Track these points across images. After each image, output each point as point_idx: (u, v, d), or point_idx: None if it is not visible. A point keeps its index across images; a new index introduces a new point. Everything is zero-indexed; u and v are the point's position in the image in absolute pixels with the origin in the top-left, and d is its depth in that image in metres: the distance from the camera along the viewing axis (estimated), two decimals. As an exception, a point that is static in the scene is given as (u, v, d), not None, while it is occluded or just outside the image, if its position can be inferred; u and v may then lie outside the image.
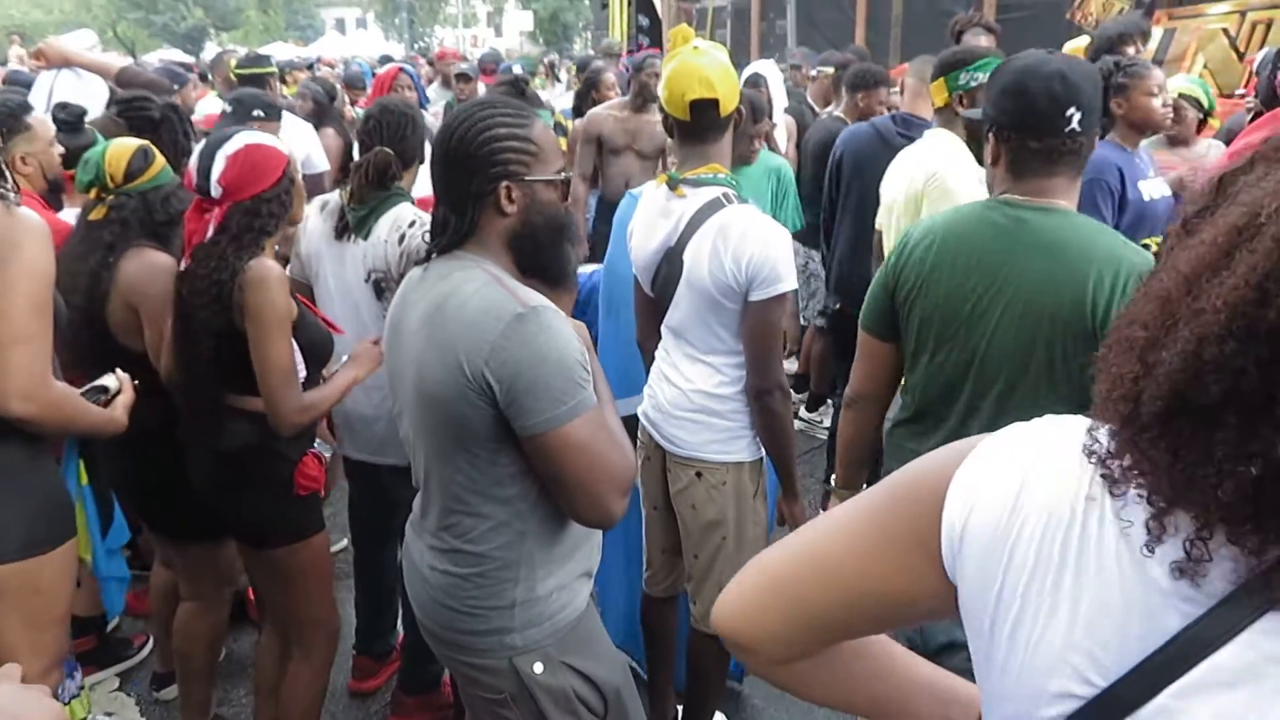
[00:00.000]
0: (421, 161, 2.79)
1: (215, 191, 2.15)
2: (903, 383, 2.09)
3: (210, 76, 5.32)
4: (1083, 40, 6.12)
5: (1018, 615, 0.78)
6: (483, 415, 1.57)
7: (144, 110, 3.25)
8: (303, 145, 4.51)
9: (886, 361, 2.13)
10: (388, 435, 2.60)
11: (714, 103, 2.23)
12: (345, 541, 3.56)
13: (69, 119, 3.23)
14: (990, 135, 1.90)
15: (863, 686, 1.04)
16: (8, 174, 1.91)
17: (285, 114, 4.54)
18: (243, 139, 2.18)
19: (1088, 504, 0.75)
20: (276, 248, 2.30)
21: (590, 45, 13.47)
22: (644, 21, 11.60)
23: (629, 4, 11.64)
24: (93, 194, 2.47)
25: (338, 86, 6.82)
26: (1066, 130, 1.79)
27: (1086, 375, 1.73)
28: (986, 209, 1.93)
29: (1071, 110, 1.78)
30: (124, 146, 2.48)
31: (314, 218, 2.77)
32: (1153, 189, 3.36)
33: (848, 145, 3.99)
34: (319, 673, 2.49)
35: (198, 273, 2.16)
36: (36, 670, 1.89)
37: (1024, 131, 1.83)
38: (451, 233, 1.66)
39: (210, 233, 2.16)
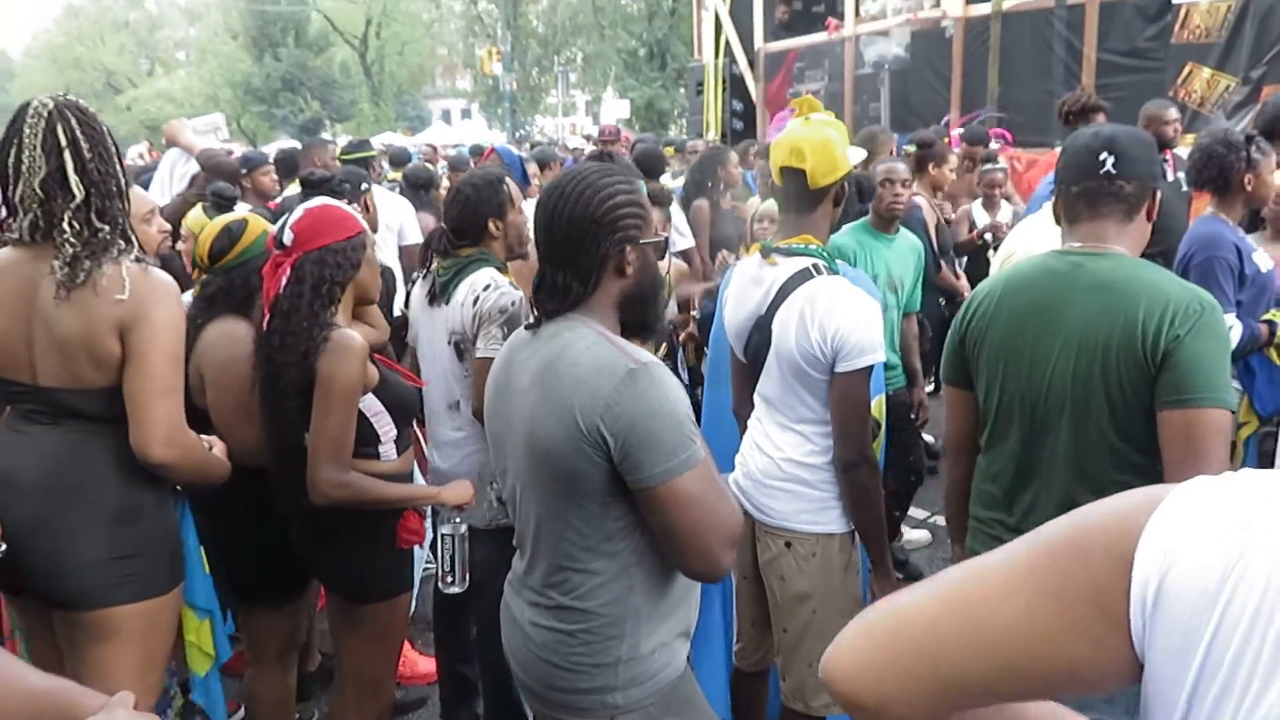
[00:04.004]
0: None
1: (288, 238, 2.25)
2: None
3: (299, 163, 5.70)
4: None
5: (1223, 686, 0.69)
6: (596, 469, 1.60)
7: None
8: (397, 216, 4.78)
9: (969, 411, 2.16)
10: None
11: (801, 173, 2.27)
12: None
13: (222, 199, 3.49)
14: (1054, 198, 2.07)
15: None
16: (135, 239, 2.07)
17: (380, 190, 4.81)
18: (323, 199, 2.33)
19: None
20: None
21: (685, 131, 13.80)
22: (738, 106, 11.85)
23: (724, 89, 11.90)
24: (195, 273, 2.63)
25: (440, 173, 7.24)
26: (1101, 171, 1.93)
27: (1148, 411, 1.81)
28: (1046, 259, 2.04)
29: (1104, 155, 1.93)
30: (211, 230, 2.61)
31: (417, 285, 2.92)
32: (1262, 260, 3.26)
33: None
34: None
35: (286, 329, 2.23)
36: (142, 709, 1.97)
37: (1067, 180, 2.00)
38: (574, 297, 1.69)
39: (284, 285, 2.24)
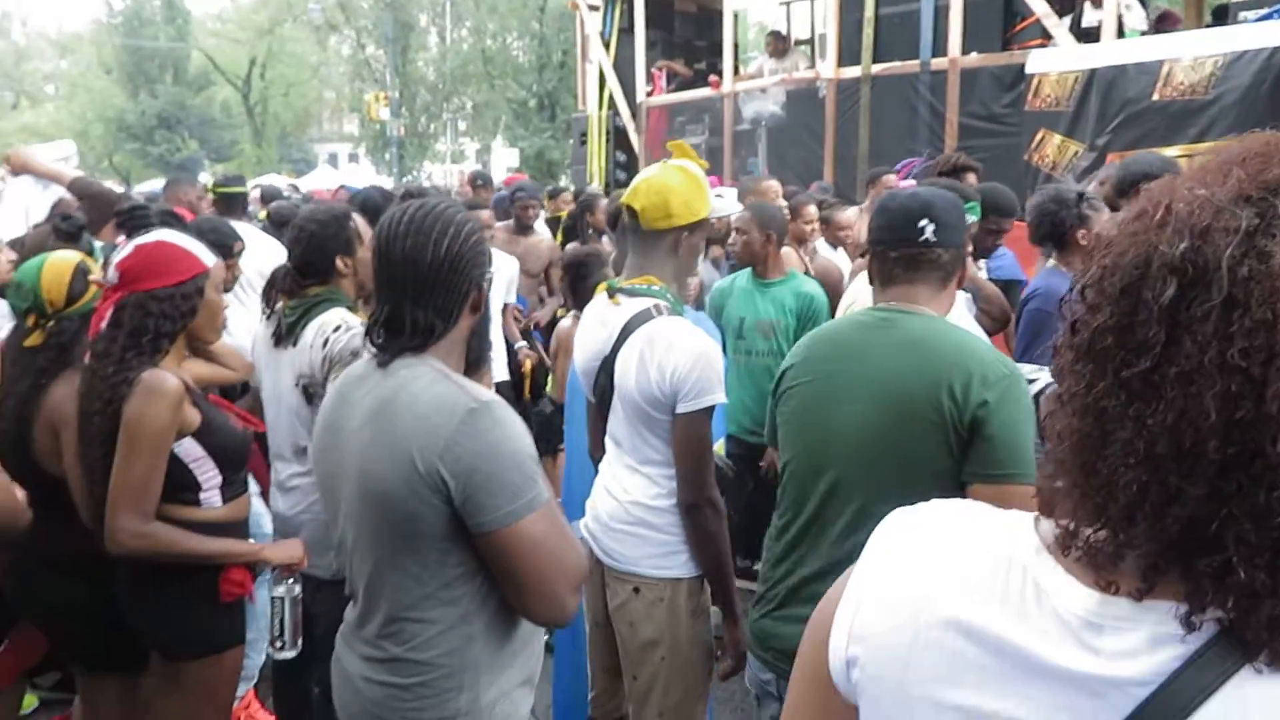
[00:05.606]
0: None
1: (112, 276, 2.11)
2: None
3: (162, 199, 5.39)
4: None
5: None
6: (435, 513, 1.54)
7: (144, 219, 3.30)
8: (269, 259, 4.58)
9: None
10: (309, 542, 2.53)
11: (635, 212, 2.28)
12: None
13: (69, 230, 3.27)
14: (868, 257, 2.04)
15: None
16: None
17: (252, 229, 4.63)
18: (161, 234, 2.18)
19: (1008, 604, 0.73)
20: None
21: (573, 181, 13.91)
22: (621, 157, 11.99)
23: (607, 141, 12.03)
24: (30, 320, 2.35)
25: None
26: (921, 239, 1.92)
27: (940, 476, 1.76)
28: (858, 315, 2.04)
29: (924, 221, 1.92)
30: (60, 268, 2.36)
31: (260, 326, 2.80)
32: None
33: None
34: None
35: (94, 375, 2.10)
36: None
37: (885, 243, 1.97)
38: (437, 335, 1.65)
39: (104, 324, 2.10)
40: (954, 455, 1.77)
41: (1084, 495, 0.72)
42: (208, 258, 2.25)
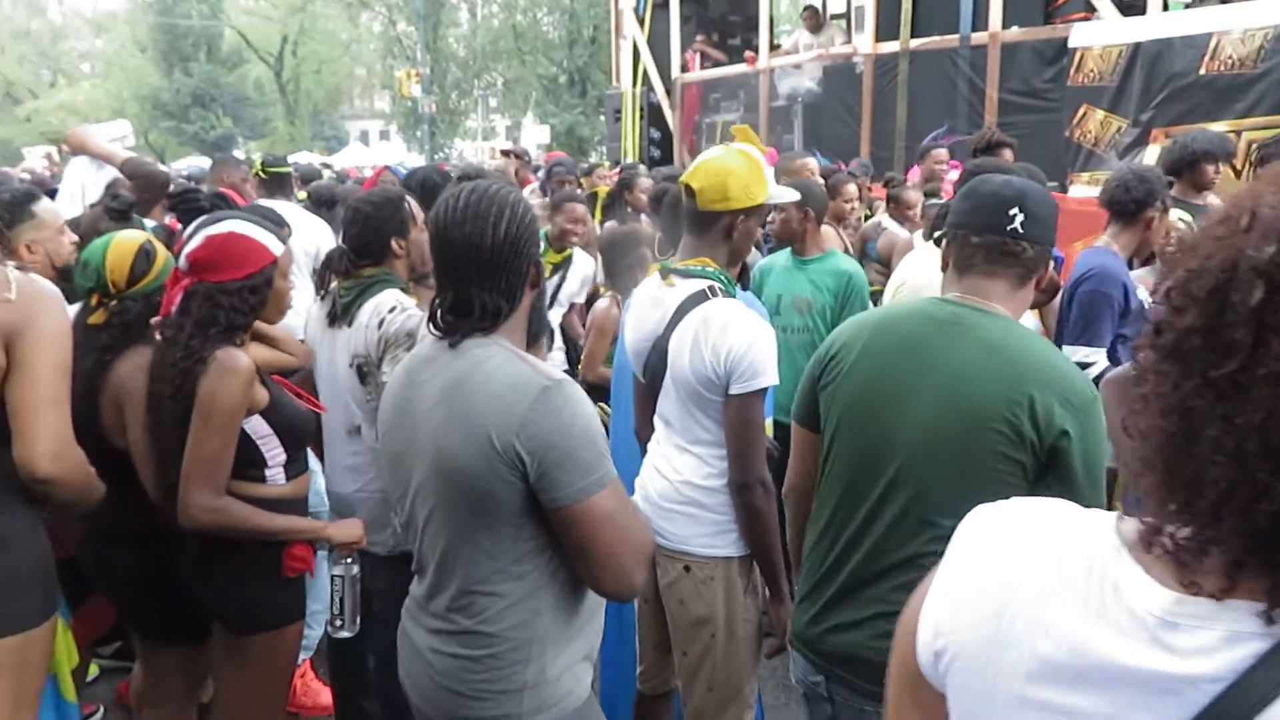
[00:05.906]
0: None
1: (183, 264, 2.16)
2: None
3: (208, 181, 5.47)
4: None
5: None
6: (511, 489, 1.58)
7: (195, 202, 3.35)
8: (314, 239, 4.65)
9: (818, 454, 2.00)
10: (367, 520, 2.58)
11: (692, 192, 2.29)
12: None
13: (119, 208, 3.31)
14: (945, 241, 1.93)
15: None
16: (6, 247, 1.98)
17: (298, 210, 4.68)
18: (230, 224, 2.20)
19: (1088, 603, 0.75)
20: None
21: (605, 158, 13.90)
22: (655, 134, 11.97)
23: (641, 118, 12.01)
24: (93, 299, 2.39)
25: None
26: (1008, 228, 1.78)
27: (1002, 477, 1.69)
28: (925, 304, 1.92)
29: (1015, 210, 1.78)
30: (125, 249, 2.39)
31: (315, 306, 2.84)
32: (1146, 295, 3.39)
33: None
34: None
35: (163, 360, 2.15)
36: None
37: (968, 227, 1.84)
38: (504, 316, 1.68)
39: (174, 309, 2.16)
40: (1027, 476, 1.69)
41: (1170, 492, 0.73)
42: (276, 246, 2.28)
